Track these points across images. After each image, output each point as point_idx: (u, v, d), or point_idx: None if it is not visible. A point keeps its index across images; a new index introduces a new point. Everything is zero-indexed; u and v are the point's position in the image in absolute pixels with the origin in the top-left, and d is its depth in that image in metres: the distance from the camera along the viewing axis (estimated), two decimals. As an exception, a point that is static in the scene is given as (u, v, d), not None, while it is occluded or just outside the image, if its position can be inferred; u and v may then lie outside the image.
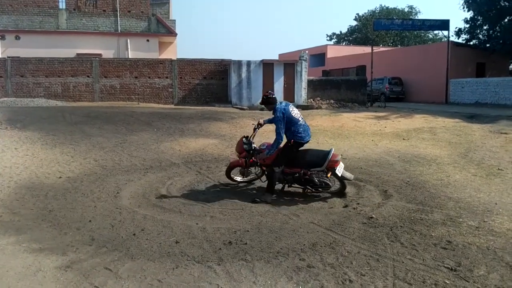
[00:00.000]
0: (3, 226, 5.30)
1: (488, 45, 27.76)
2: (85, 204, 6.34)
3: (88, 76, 22.96)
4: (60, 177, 7.84)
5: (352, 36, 57.13)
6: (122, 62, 23.55)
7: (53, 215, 5.81)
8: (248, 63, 22.56)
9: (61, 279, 3.97)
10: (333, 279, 3.94)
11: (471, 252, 4.52)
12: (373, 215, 5.73)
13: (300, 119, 6.54)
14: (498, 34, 27.09)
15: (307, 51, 25.36)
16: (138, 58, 24.56)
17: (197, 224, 5.52)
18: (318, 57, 43.30)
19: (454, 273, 4.00)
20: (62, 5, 26.17)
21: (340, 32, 59.08)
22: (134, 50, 26.41)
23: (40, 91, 22.40)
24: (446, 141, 12.19)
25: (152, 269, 4.16)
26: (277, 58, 39.22)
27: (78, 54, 25.14)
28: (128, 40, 26.50)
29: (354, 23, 57.04)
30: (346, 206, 6.25)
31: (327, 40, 59.45)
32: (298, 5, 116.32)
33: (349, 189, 7.03)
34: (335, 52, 41.98)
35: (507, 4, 26.14)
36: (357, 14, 57.05)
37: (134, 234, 5.10)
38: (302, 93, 22.94)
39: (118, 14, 26.52)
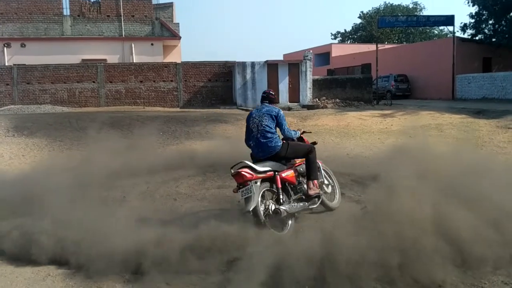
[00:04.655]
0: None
1: (494, 39, 27.52)
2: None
3: (93, 82, 23.10)
4: (67, 183, 7.88)
5: (356, 34, 56.87)
6: (127, 67, 23.68)
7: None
8: (253, 64, 22.58)
9: (70, 284, 4.01)
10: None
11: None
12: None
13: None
14: (504, 28, 26.85)
15: (311, 51, 25.34)
16: (142, 62, 24.65)
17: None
18: (322, 56, 43.20)
19: (461, 269, 3.97)
20: (66, 11, 26.32)
21: (345, 30, 58.81)
22: (139, 55, 26.49)
23: (46, 98, 22.57)
24: (453, 137, 12.11)
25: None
26: (281, 58, 39.25)
27: (83, 60, 25.28)
28: (133, 45, 26.61)
29: (359, 21, 56.78)
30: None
31: (331, 39, 59.18)
32: (302, 5, 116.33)
33: (356, 188, 7.00)
34: (339, 50, 41.83)
35: (512, -3, 25.94)
36: (361, 11, 56.78)
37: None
38: (307, 92, 22.91)
39: (122, 19, 26.64)
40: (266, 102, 5.61)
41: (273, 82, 22.58)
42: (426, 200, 4.71)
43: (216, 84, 24.03)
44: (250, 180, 4.81)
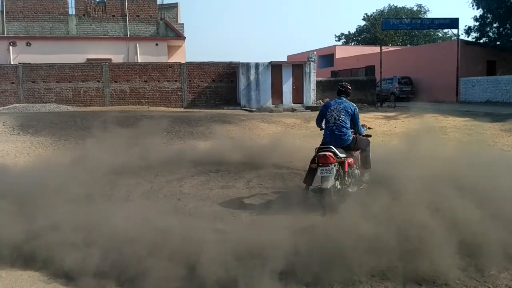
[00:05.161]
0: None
1: (498, 42, 27.47)
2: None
3: (98, 81, 23.18)
4: (72, 182, 7.89)
5: (360, 36, 56.79)
6: (131, 67, 23.75)
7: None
8: (257, 65, 22.60)
9: (71, 284, 4.02)
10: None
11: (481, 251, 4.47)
12: None
13: None
14: (508, 31, 26.79)
15: (315, 52, 25.36)
16: (147, 62, 24.73)
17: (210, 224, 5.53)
18: (326, 58, 43.15)
19: (465, 273, 3.97)
20: (71, 11, 26.44)
21: (349, 32, 58.73)
22: (143, 54, 26.56)
23: (51, 97, 22.67)
24: (457, 140, 12.07)
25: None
26: (285, 59, 39.23)
27: (88, 59, 25.36)
28: (137, 45, 26.67)
29: (363, 23, 56.73)
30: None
31: (335, 40, 59.17)
32: (306, 6, 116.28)
33: (360, 192, 6.99)
34: (343, 52, 41.77)
35: (517, 1, 25.89)
36: (366, 14, 56.68)
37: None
38: (310, 94, 22.92)
39: (127, 19, 26.71)
40: (344, 96, 6.24)
41: (277, 83, 22.61)
42: (431, 201, 4.72)
43: (220, 84, 24.07)
44: (331, 163, 5.53)
